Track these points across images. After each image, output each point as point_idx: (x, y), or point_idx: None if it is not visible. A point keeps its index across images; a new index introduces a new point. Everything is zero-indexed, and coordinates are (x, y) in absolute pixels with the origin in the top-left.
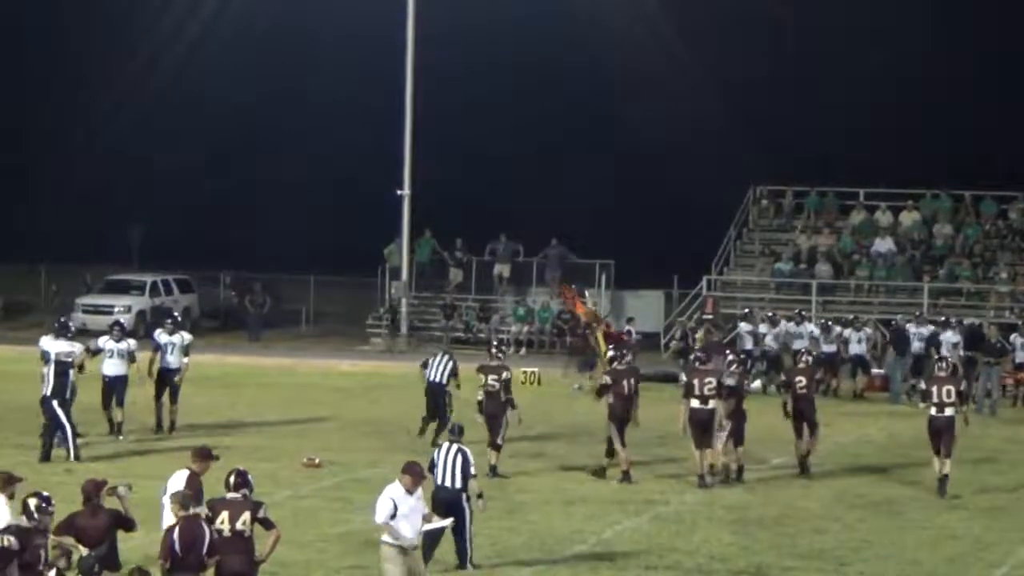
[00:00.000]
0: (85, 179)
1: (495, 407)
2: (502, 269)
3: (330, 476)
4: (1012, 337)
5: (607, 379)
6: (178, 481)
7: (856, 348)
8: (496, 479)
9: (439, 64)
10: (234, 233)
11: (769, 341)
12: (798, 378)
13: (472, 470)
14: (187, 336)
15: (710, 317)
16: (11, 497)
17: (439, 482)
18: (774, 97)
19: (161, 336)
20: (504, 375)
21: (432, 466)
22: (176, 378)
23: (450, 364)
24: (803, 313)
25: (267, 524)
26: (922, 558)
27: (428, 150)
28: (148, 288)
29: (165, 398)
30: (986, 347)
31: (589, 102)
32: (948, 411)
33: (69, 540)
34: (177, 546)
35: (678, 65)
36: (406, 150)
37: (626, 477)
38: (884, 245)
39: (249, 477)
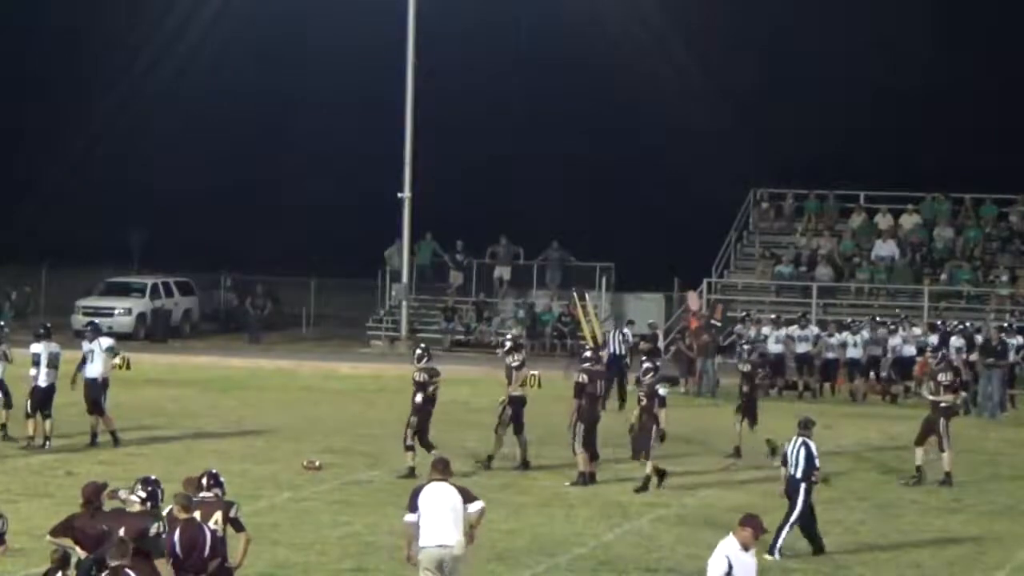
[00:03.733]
0: (85, 181)
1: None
2: (503, 272)
3: (330, 478)
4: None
5: (583, 378)
6: (445, 495)
7: (853, 352)
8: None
9: (440, 66)
10: (234, 236)
11: (772, 344)
12: (759, 370)
13: (816, 462)
14: (105, 340)
15: (718, 323)
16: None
17: (789, 471)
18: (774, 100)
19: (84, 344)
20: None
21: (784, 459)
22: (104, 383)
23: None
24: (807, 316)
25: (237, 525)
26: (922, 561)
27: (429, 153)
28: (148, 290)
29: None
30: (986, 349)
31: (589, 104)
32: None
33: (67, 542)
34: (178, 548)
35: (678, 68)
36: (407, 152)
37: (582, 479)
38: (884, 248)
39: (221, 479)
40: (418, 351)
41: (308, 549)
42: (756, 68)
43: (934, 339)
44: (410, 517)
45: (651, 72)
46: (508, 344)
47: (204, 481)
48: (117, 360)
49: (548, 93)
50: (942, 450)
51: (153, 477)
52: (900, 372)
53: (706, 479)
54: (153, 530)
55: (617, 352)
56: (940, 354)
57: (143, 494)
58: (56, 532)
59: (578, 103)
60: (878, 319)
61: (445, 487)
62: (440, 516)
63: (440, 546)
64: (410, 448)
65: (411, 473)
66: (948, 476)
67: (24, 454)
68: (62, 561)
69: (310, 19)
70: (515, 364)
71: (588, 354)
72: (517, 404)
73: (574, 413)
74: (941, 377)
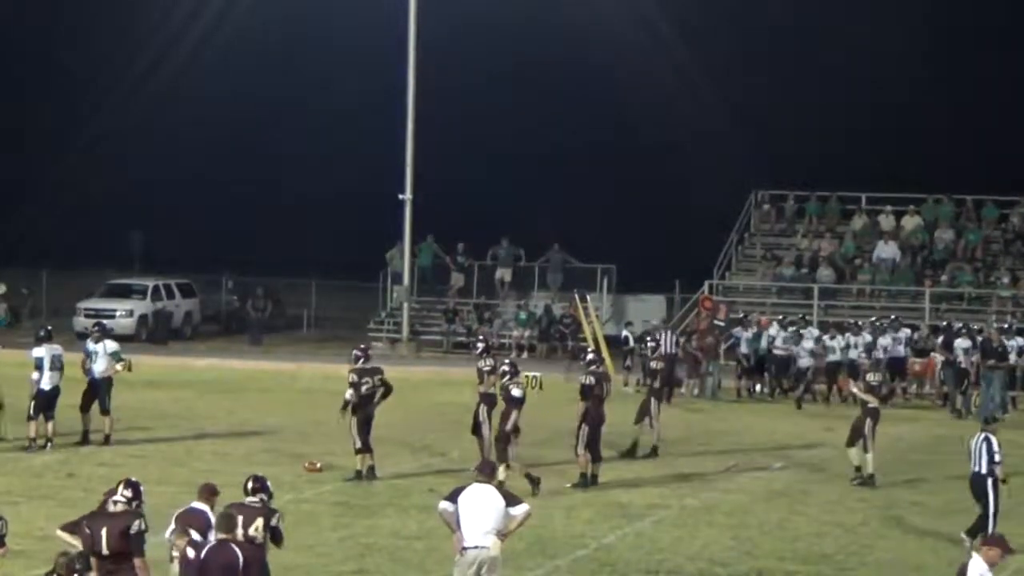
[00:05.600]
0: (86, 183)
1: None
2: (504, 273)
3: (331, 480)
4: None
5: (590, 380)
6: (487, 497)
7: (853, 354)
8: None
9: (440, 68)
10: (235, 237)
11: (779, 344)
12: (660, 364)
13: (997, 456)
14: (111, 344)
15: (722, 323)
16: (212, 508)
17: (972, 468)
18: (775, 101)
19: (88, 344)
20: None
21: (969, 453)
22: (107, 382)
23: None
24: (807, 318)
25: (276, 535)
26: (923, 563)
27: (430, 154)
28: (150, 292)
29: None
30: (987, 351)
31: (590, 107)
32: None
33: (75, 540)
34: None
35: (679, 69)
36: (408, 154)
37: (583, 481)
38: (886, 250)
39: (267, 483)
40: (356, 352)
41: (309, 551)
42: (757, 69)
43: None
44: (444, 504)
45: (652, 74)
46: (480, 347)
47: (250, 485)
48: (119, 367)
49: (549, 95)
50: (866, 451)
51: (134, 479)
52: (892, 372)
53: (707, 481)
54: (135, 528)
55: (670, 351)
56: (871, 354)
57: (129, 493)
58: (67, 528)
59: (579, 105)
60: (862, 321)
61: (488, 489)
62: (479, 518)
63: (477, 547)
64: (361, 451)
65: (372, 473)
66: (871, 477)
67: (25, 456)
68: (67, 567)
69: (311, 19)
70: (487, 368)
71: (592, 356)
72: (487, 402)
73: (582, 415)
74: (870, 377)
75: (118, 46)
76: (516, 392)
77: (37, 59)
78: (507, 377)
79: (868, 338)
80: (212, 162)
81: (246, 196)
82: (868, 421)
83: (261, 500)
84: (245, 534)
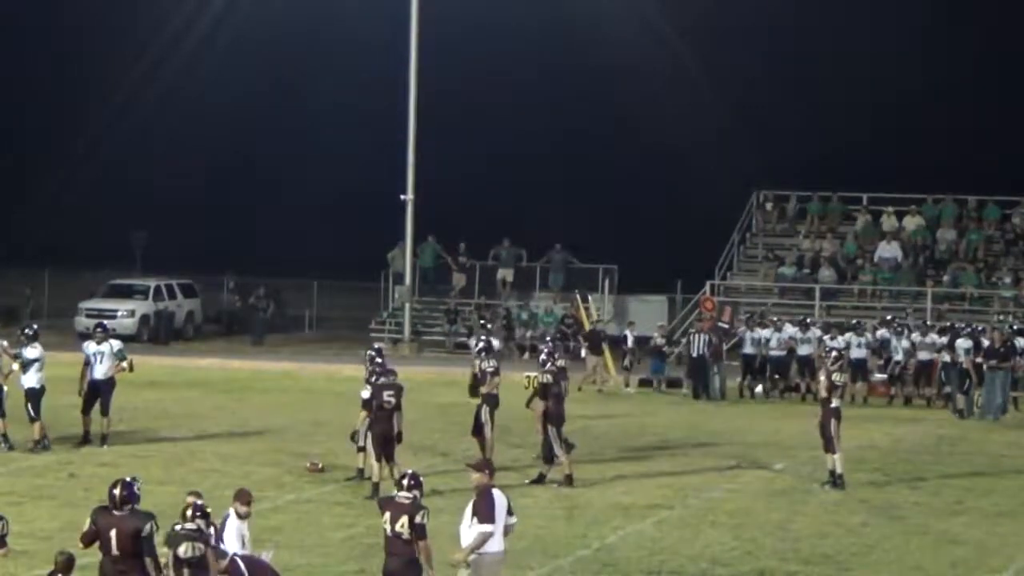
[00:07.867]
0: (87, 183)
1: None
2: (505, 274)
3: (333, 481)
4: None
5: (548, 379)
6: (504, 502)
7: (858, 353)
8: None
9: (442, 68)
10: (237, 237)
11: (773, 346)
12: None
13: None
14: (116, 343)
15: (726, 325)
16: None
17: None
18: (777, 101)
19: (89, 346)
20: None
21: None
22: (111, 383)
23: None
24: (808, 319)
25: (419, 531)
26: (925, 563)
27: (431, 155)
28: (152, 292)
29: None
30: (990, 352)
31: (592, 107)
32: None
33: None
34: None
35: (681, 70)
36: (409, 155)
37: (568, 481)
38: (888, 250)
39: (421, 479)
40: (370, 352)
41: (311, 551)
42: (759, 69)
43: (943, 340)
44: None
45: (653, 73)
46: (480, 345)
47: (404, 481)
48: (125, 364)
49: (550, 95)
50: (833, 452)
51: (128, 478)
52: (918, 376)
53: (710, 481)
54: (146, 531)
55: (699, 353)
56: (837, 353)
57: (130, 505)
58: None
59: (580, 104)
60: (856, 322)
61: (500, 494)
62: (502, 523)
63: (502, 551)
64: (363, 449)
65: (360, 475)
66: (840, 478)
67: (27, 456)
68: (67, 564)
69: (312, 21)
70: (491, 369)
71: (544, 356)
72: (490, 403)
73: (542, 415)
74: (836, 378)
75: (119, 46)
76: (364, 394)
77: (38, 59)
78: (373, 377)
79: (869, 337)
80: (212, 162)
81: (247, 196)
82: (833, 422)
83: (413, 497)
84: (392, 529)
